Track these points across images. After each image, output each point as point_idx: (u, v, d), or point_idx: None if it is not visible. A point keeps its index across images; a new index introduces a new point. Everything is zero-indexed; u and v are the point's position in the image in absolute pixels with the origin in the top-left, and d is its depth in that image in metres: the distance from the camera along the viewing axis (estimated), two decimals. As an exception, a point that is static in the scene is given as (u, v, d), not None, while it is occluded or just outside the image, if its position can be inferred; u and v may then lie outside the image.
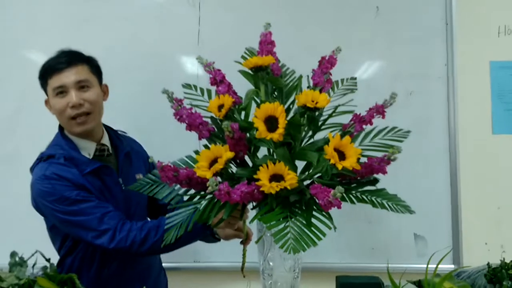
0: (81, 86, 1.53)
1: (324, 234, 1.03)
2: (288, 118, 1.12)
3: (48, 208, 1.49)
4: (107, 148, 1.63)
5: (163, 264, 1.86)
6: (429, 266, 1.21)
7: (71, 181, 1.48)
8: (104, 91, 1.66)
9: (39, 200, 1.50)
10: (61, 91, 1.51)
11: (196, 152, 1.21)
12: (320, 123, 1.24)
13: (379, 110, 1.21)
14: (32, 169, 1.56)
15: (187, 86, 1.42)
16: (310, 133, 1.23)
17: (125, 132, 1.77)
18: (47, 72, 1.53)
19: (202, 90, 1.40)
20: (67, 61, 1.53)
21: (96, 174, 1.54)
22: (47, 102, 1.59)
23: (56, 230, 1.59)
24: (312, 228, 1.03)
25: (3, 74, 2.05)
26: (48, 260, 1.36)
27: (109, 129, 1.70)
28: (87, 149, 1.59)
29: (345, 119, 1.28)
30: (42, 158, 1.54)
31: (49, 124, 1.61)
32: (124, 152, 1.66)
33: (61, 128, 1.61)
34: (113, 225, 1.45)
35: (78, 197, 1.46)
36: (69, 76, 1.51)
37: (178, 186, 1.22)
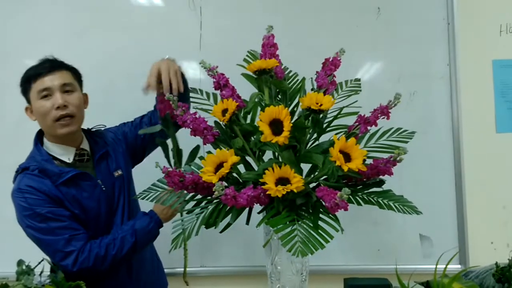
0: (65, 89, 1.54)
1: (331, 237, 1.02)
2: (293, 121, 1.12)
3: (23, 223, 1.48)
4: (87, 153, 1.61)
5: (170, 270, 1.85)
6: (437, 267, 1.21)
7: (45, 193, 1.47)
8: (85, 99, 1.65)
9: (17, 214, 1.50)
10: (46, 94, 1.51)
11: (201, 158, 1.21)
12: (325, 125, 1.24)
13: (384, 111, 1.21)
14: (13, 183, 1.55)
15: (192, 90, 1.42)
16: (315, 135, 1.23)
17: (104, 125, 1.75)
18: (31, 76, 1.53)
19: (208, 94, 1.40)
20: (50, 66, 1.54)
21: (71, 182, 1.53)
22: (27, 109, 1.58)
23: None
24: (320, 231, 1.03)
25: (6, 84, 2.05)
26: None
27: (86, 133, 1.68)
28: (67, 154, 1.57)
29: (350, 120, 1.28)
30: (19, 171, 1.54)
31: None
32: (100, 154, 1.64)
33: (38, 139, 1.60)
34: (78, 246, 1.45)
35: (49, 215, 1.46)
36: (53, 80, 1.52)
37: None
